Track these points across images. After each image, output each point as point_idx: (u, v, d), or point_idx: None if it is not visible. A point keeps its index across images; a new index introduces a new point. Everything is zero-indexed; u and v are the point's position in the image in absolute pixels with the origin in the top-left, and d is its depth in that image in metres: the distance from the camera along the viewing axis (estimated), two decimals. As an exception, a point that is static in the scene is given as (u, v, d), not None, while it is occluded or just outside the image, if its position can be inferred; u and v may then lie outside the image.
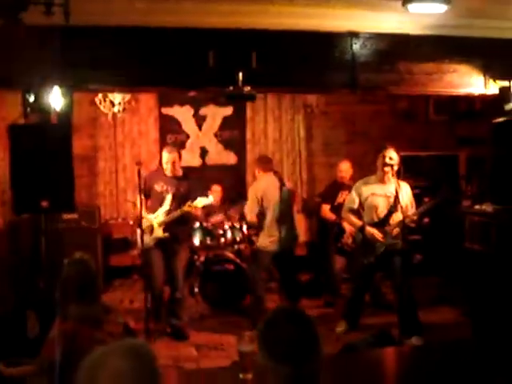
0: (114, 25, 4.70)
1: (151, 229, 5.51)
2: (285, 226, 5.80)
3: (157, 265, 5.52)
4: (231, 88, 4.90)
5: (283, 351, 1.72)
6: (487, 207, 6.19)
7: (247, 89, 4.91)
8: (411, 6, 4.47)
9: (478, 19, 5.04)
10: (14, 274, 5.27)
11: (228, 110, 8.54)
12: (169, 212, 5.50)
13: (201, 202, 5.48)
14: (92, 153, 8.24)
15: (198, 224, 6.48)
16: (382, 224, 5.37)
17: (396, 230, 5.33)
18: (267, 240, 5.80)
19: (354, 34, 5.16)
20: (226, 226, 6.63)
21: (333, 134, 8.75)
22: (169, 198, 5.51)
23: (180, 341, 5.51)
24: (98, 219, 7.30)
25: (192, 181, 5.82)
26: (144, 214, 5.49)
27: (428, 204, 5.43)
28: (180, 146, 7.94)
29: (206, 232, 6.57)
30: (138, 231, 5.41)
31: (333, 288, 6.66)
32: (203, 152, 8.59)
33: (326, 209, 6.66)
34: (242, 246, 6.72)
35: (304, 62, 5.13)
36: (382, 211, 5.38)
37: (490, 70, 5.38)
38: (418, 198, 5.69)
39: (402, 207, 5.30)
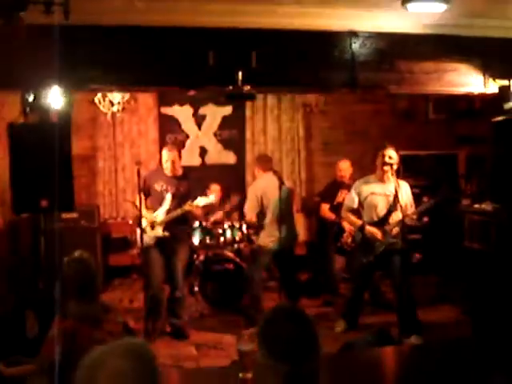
0: (114, 24, 4.70)
1: (152, 224, 5.50)
2: (284, 225, 5.80)
3: (156, 264, 5.51)
4: (231, 87, 4.90)
5: (282, 350, 1.72)
6: (487, 206, 6.21)
7: (247, 88, 4.91)
8: (410, 5, 4.47)
9: (478, 18, 5.04)
10: (13, 274, 5.27)
11: (227, 110, 8.54)
12: (169, 211, 5.50)
13: (202, 201, 5.48)
14: (91, 152, 8.24)
15: (197, 223, 6.48)
16: (381, 223, 5.37)
17: (395, 230, 5.33)
18: (267, 239, 5.81)
19: (354, 34, 5.16)
20: (226, 226, 6.62)
21: (332, 133, 8.75)
22: (168, 197, 5.51)
23: (180, 340, 5.51)
24: (98, 219, 7.31)
25: (192, 180, 5.82)
26: (144, 212, 5.49)
27: (427, 203, 5.44)
28: (179, 145, 7.94)
29: (205, 231, 6.56)
30: (138, 230, 5.41)
31: (332, 287, 6.66)
32: (203, 151, 8.59)
33: (325, 208, 6.66)
34: (242, 245, 6.72)
35: (303, 62, 5.13)
36: (382, 210, 5.38)
37: (490, 69, 5.38)
38: (417, 198, 5.69)
39: (401, 206, 5.30)
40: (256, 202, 5.78)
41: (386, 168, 5.32)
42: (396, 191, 5.33)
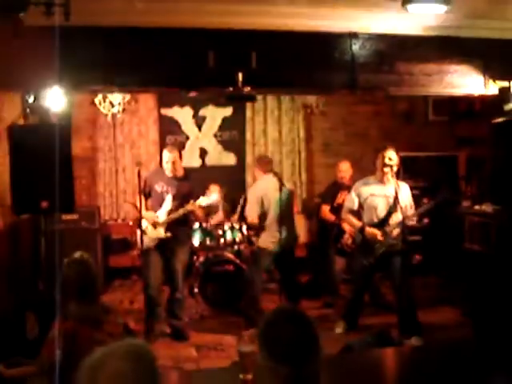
0: (114, 25, 4.71)
1: (154, 225, 5.49)
2: (285, 226, 5.80)
3: (155, 266, 5.50)
4: (231, 89, 4.91)
5: (283, 351, 1.72)
6: (487, 207, 6.21)
7: (247, 89, 4.91)
8: (411, 7, 4.47)
9: (478, 20, 5.04)
10: (13, 275, 5.26)
11: (228, 111, 8.55)
12: (170, 212, 5.49)
13: (204, 200, 5.49)
14: (92, 153, 8.24)
15: (197, 225, 6.48)
16: (381, 224, 5.37)
17: (396, 231, 5.33)
18: (268, 241, 5.80)
19: (354, 35, 5.17)
20: (226, 227, 6.62)
21: (332, 134, 8.75)
22: (169, 198, 5.50)
23: (180, 341, 5.50)
24: (98, 220, 7.31)
25: (192, 181, 5.81)
26: (144, 212, 5.48)
27: (427, 205, 5.43)
28: (179, 146, 7.94)
29: (205, 233, 6.57)
30: (138, 232, 5.40)
31: (332, 289, 6.65)
32: (203, 153, 8.59)
33: (325, 209, 6.66)
34: (242, 247, 6.72)
35: (303, 63, 5.13)
36: (382, 212, 5.38)
37: (490, 71, 5.38)
38: (417, 199, 5.69)
39: (401, 208, 5.30)
40: (257, 204, 5.77)
41: (386, 169, 5.32)
42: (396, 193, 5.33)
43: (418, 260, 7.61)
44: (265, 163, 6.09)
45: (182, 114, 8.48)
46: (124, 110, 7.75)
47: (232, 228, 6.63)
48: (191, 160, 8.41)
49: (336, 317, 5.90)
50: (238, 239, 6.61)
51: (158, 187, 5.58)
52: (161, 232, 5.49)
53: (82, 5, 4.01)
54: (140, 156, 8.08)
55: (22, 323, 4.73)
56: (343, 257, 6.44)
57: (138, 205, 5.44)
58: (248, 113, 8.57)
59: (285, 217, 5.83)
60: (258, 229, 5.89)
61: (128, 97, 7.72)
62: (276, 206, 5.75)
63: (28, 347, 3.84)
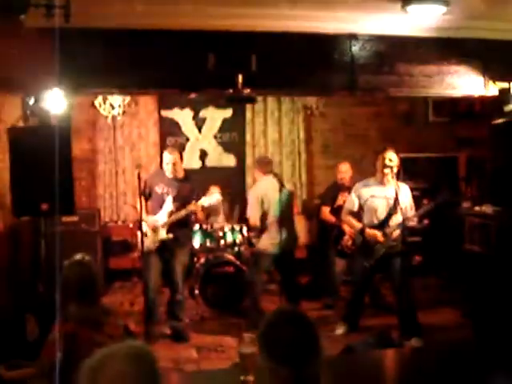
0: (114, 27, 4.71)
1: (155, 231, 5.49)
2: (285, 228, 5.80)
3: (154, 268, 5.50)
4: (231, 90, 4.91)
5: (283, 353, 1.72)
6: (487, 209, 6.20)
7: (247, 91, 4.91)
8: (410, 8, 4.48)
9: (477, 21, 5.04)
10: (13, 277, 5.26)
11: (228, 113, 8.56)
12: (171, 214, 5.48)
13: (206, 200, 5.49)
14: (92, 155, 8.25)
15: (197, 226, 6.48)
16: (381, 226, 5.37)
17: (396, 232, 5.33)
18: (268, 242, 5.80)
19: (353, 36, 5.18)
20: (226, 228, 6.63)
21: (332, 135, 8.76)
22: (169, 200, 5.50)
23: (180, 343, 5.50)
24: (98, 222, 7.30)
25: (192, 183, 5.81)
26: (144, 216, 5.48)
27: (428, 206, 5.43)
28: (180, 148, 7.94)
29: (206, 234, 6.57)
30: (139, 234, 5.40)
31: (332, 290, 6.65)
32: (203, 154, 8.60)
33: (325, 211, 6.66)
34: (242, 248, 6.72)
35: (303, 65, 5.13)
36: (382, 213, 5.38)
37: (490, 72, 5.39)
38: (417, 200, 5.69)
39: (401, 209, 5.30)
40: (258, 205, 5.77)
41: (386, 171, 5.31)
42: (396, 194, 5.33)
43: (418, 261, 7.61)
44: (265, 164, 6.08)
45: (182, 116, 8.49)
46: (124, 112, 7.76)
47: (232, 229, 6.63)
48: (191, 161, 8.41)
49: (336, 318, 5.89)
50: (238, 241, 6.62)
51: (159, 189, 5.58)
52: (163, 233, 5.48)
53: (82, 7, 4.02)
54: (140, 158, 8.09)
55: (22, 325, 4.72)
56: (343, 258, 6.44)
57: (139, 207, 5.44)
58: (248, 114, 8.58)
59: (285, 218, 5.83)
60: (260, 231, 5.88)
61: (128, 99, 7.73)
62: (276, 207, 5.75)
63: (28, 349, 3.83)
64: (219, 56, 4.85)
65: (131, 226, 6.59)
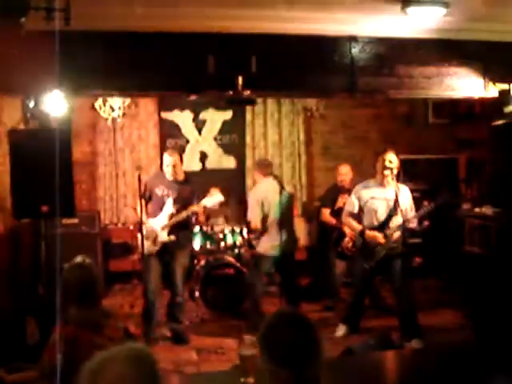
0: (114, 30, 4.71)
1: (155, 237, 5.48)
2: (285, 230, 5.80)
3: (154, 270, 5.49)
4: (231, 92, 4.92)
5: (284, 355, 1.72)
6: (487, 210, 6.21)
7: (247, 93, 4.92)
8: (410, 10, 4.49)
9: (477, 22, 5.05)
10: (13, 280, 5.26)
11: (228, 114, 8.56)
12: (171, 216, 5.47)
13: (209, 201, 5.49)
14: (92, 158, 8.25)
15: (198, 228, 6.48)
16: (381, 228, 5.36)
17: (396, 234, 5.33)
18: (268, 244, 5.80)
19: (353, 38, 5.18)
20: (226, 230, 6.63)
21: (332, 137, 8.76)
22: (169, 202, 5.49)
23: (180, 345, 5.50)
24: (98, 224, 7.30)
25: (193, 185, 5.80)
26: (145, 220, 5.47)
27: (428, 207, 5.43)
28: (180, 150, 7.94)
29: (206, 236, 6.57)
30: (139, 236, 5.40)
31: (332, 292, 6.65)
32: (203, 156, 8.59)
33: (325, 213, 6.65)
34: (243, 250, 6.72)
35: (303, 67, 5.14)
36: (382, 215, 5.38)
37: (490, 73, 5.39)
38: (417, 202, 5.68)
39: (401, 211, 5.30)
40: (258, 208, 5.77)
41: (386, 172, 5.31)
42: (396, 195, 5.33)
43: (419, 263, 7.61)
44: (265, 166, 6.09)
45: (182, 118, 8.49)
46: (124, 114, 7.77)
47: (232, 231, 6.63)
48: (191, 163, 8.41)
49: (336, 320, 5.89)
50: (238, 243, 6.62)
51: (159, 191, 5.58)
52: (164, 235, 5.48)
53: (82, 10, 4.02)
54: (140, 160, 8.09)
55: (23, 328, 4.73)
56: (343, 260, 6.44)
57: (139, 209, 5.44)
58: (248, 116, 8.58)
59: (285, 220, 5.83)
60: (261, 233, 5.87)
61: (128, 101, 7.74)
62: (276, 209, 5.75)
63: (28, 352, 3.84)
64: (219, 58, 4.86)
65: (131, 228, 6.58)
